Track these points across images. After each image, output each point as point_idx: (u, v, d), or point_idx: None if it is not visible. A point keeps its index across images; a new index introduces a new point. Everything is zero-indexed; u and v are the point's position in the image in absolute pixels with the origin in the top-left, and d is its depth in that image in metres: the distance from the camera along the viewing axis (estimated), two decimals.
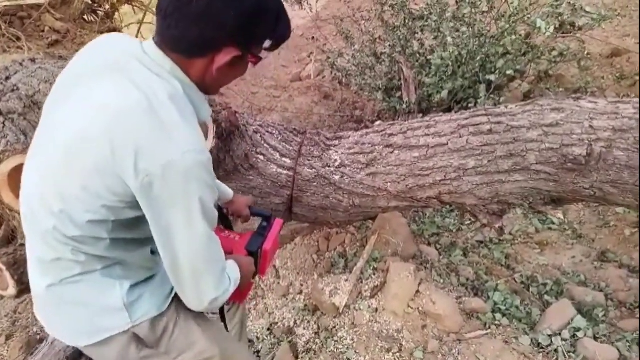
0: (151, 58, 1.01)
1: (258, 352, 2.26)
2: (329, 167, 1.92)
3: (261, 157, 1.87)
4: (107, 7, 4.66)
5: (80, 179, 0.98)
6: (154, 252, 1.18)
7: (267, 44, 1.05)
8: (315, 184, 1.92)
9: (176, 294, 1.18)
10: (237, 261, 1.25)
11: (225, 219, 1.60)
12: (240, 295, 1.39)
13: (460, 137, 1.79)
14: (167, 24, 0.98)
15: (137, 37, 4.93)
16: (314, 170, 1.91)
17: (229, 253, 1.28)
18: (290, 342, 2.23)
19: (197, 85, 1.07)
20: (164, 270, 1.16)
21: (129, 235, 1.11)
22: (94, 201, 1.00)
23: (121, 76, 0.98)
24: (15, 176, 2.18)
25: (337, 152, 1.96)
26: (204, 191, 0.98)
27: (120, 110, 0.95)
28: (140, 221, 1.04)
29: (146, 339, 1.17)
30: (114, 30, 4.47)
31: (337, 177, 1.91)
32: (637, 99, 1.73)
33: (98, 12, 4.59)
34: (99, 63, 1.05)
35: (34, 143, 1.12)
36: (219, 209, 1.58)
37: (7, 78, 2.58)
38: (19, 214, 2.28)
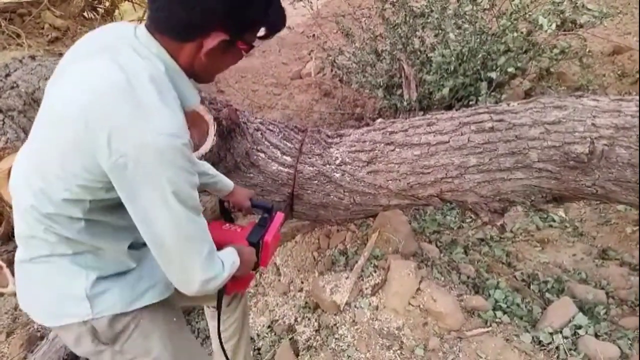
0: (140, 41, 1.02)
1: (259, 349, 2.26)
2: (330, 164, 1.91)
3: (262, 155, 1.86)
4: (107, 4, 4.64)
5: (59, 157, 0.99)
6: (132, 248, 1.18)
7: (261, 32, 1.05)
8: (316, 181, 1.91)
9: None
10: (237, 249, 1.24)
11: (226, 211, 1.59)
12: (241, 284, 1.39)
13: (462, 134, 1.78)
14: (156, 6, 0.99)
15: None
16: (314, 168, 1.90)
17: (230, 244, 1.28)
18: (290, 339, 2.23)
19: (187, 72, 1.07)
20: (139, 270, 1.20)
21: (105, 219, 1.10)
22: (71, 179, 1.00)
23: (107, 57, 0.98)
24: None
25: (338, 149, 1.95)
26: (179, 175, 0.97)
27: (98, 89, 0.94)
28: (118, 206, 1.03)
29: (103, 334, 1.16)
30: None
31: (338, 175, 1.90)
32: (638, 97, 1.72)
33: (98, 9, 4.57)
34: (92, 46, 1.06)
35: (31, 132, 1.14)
36: (220, 202, 1.58)
37: (7, 75, 2.58)
38: None
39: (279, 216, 1.54)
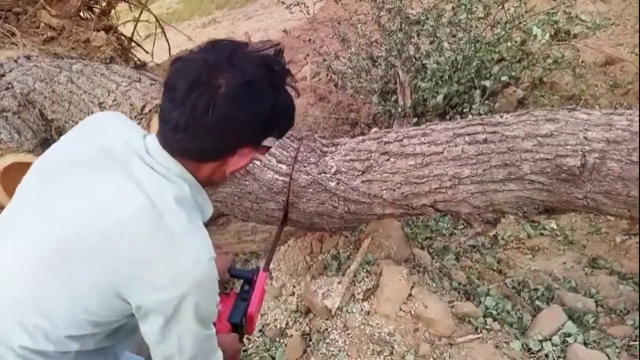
0: (156, 160, 0.95)
1: (246, 350, 2.26)
2: (325, 173, 1.92)
3: (257, 163, 1.87)
4: (104, 4, 4.62)
5: (70, 294, 0.89)
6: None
7: (275, 135, 1.04)
8: (310, 190, 1.92)
9: None
10: (219, 344, 1.15)
11: None
12: None
13: (456, 146, 1.80)
14: (179, 137, 0.92)
15: (132, 35, 4.91)
16: (310, 176, 1.91)
17: None
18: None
19: (203, 183, 1.03)
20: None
21: (98, 346, 1.00)
22: (80, 317, 0.90)
23: (124, 175, 0.91)
24: (8, 174, 2.18)
25: (333, 158, 1.96)
26: (210, 296, 0.96)
27: (121, 218, 0.87)
28: (115, 331, 0.98)
29: None
30: (110, 27, 4.43)
31: (332, 184, 1.91)
32: (630, 111, 1.74)
33: (94, 9, 4.55)
34: (97, 148, 0.97)
35: (9, 215, 0.99)
36: None
37: (2, 76, 2.57)
38: None
39: (261, 279, 1.50)
